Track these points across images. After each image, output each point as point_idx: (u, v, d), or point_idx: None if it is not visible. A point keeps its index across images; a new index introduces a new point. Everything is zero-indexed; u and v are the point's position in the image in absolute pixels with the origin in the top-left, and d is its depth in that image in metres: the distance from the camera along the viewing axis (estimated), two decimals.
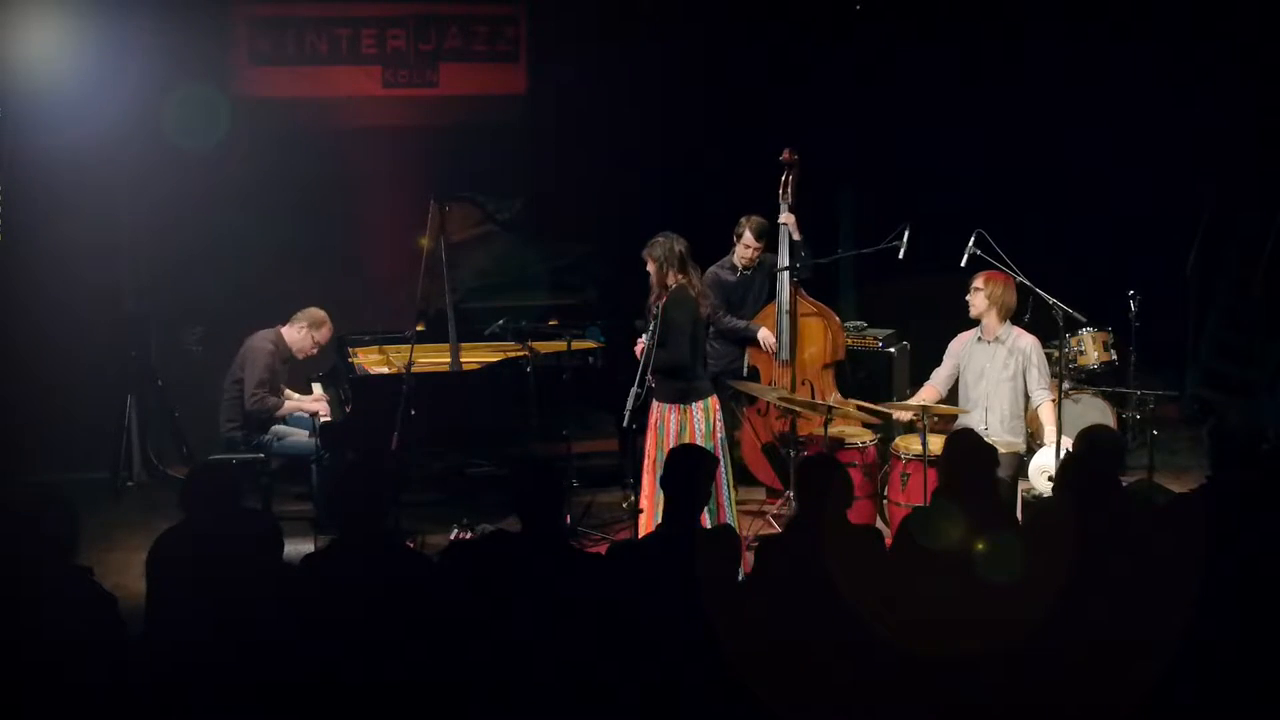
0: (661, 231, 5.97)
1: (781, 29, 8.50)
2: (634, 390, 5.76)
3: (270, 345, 6.54)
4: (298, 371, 7.13)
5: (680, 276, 5.87)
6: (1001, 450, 5.90)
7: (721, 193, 7.35)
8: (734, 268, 7.08)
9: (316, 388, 7.08)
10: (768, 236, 6.93)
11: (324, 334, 6.74)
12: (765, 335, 6.89)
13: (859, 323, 7.94)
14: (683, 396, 5.87)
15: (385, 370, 6.77)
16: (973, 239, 6.12)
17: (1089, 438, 4.36)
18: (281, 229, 7.85)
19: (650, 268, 5.94)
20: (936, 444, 6.03)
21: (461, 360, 6.71)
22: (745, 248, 6.97)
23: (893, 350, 7.62)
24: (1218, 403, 7.91)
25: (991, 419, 6.18)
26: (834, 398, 6.80)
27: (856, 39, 8.67)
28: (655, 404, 5.87)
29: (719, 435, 5.91)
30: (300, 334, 6.64)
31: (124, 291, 7.79)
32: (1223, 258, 8.55)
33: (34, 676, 3.28)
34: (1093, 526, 4.09)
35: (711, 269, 6.96)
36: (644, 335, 5.93)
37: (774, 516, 6.76)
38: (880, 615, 3.86)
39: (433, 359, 6.73)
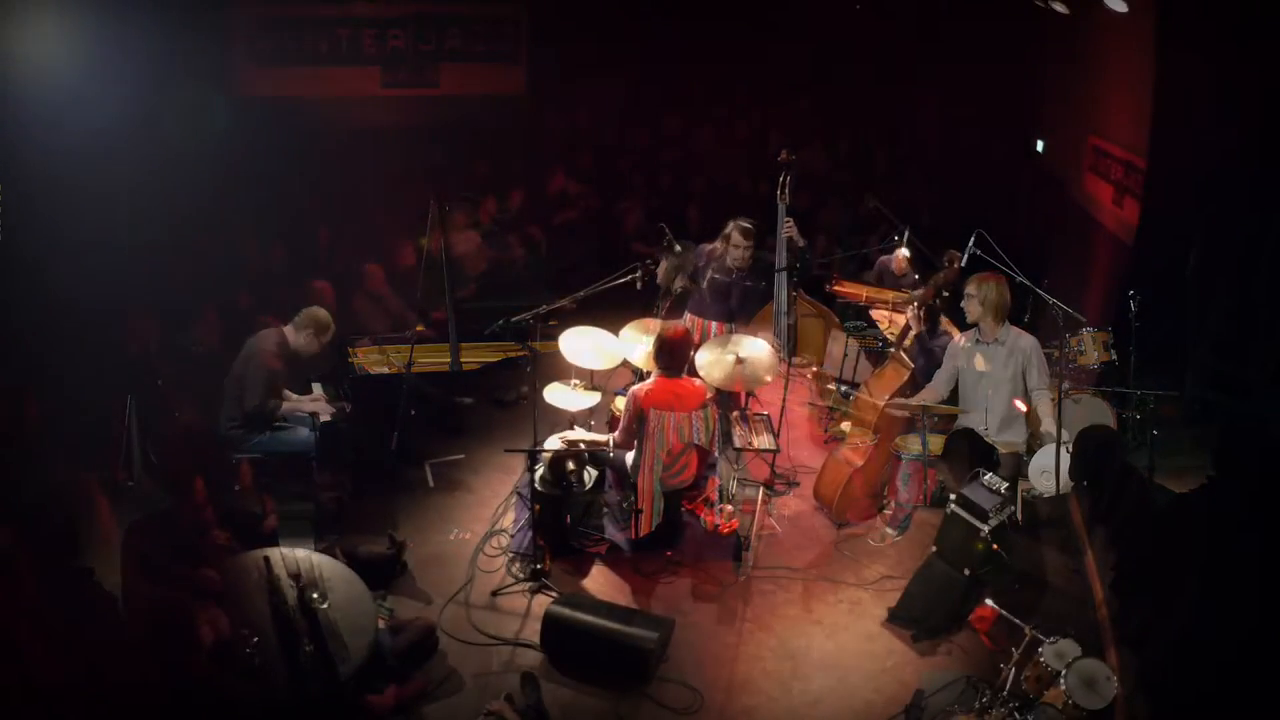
0: (680, 239, 6.03)
1: (781, 29, 8.51)
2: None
3: (274, 348, 6.51)
4: (297, 370, 7.12)
5: (689, 284, 5.95)
6: (1001, 450, 5.91)
7: (721, 193, 7.35)
8: (728, 270, 7.07)
9: (316, 388, 7.08)
10: (756, 237, 6.94)
11: (328, 337, 6.71)
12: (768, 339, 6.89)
13: (859, 323, 7.94)
14: None
15: (385, 370, 6.78)
16: (973, 239, 6.12)
17: (1091, 436, 4.37)
18: (281, 228, 7.86)
19: (660, 269, 5.99)
20: (937, 444, 6.04)
21: (461, 360, 6.73)
22: (734, 248, 6.97)
23: (893, 350, 7.61)
24: (1226, 404, 7.90)
25: (991, 419, 6.18)
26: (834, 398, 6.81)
27: (856, 39, 8.68)
28: (653, 410, 5.88)
29: (716, 441, 5.95)
30: (305, 339, 6.59)
31: (124, 291, 7.79)
32: (1223, 258, 8.54)
33: (35, 676, 3.28)
34: (1098, 523, 4.11)
35: (709, 269, 6.97)
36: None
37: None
38: None
39: (433, 359, 6.74)
